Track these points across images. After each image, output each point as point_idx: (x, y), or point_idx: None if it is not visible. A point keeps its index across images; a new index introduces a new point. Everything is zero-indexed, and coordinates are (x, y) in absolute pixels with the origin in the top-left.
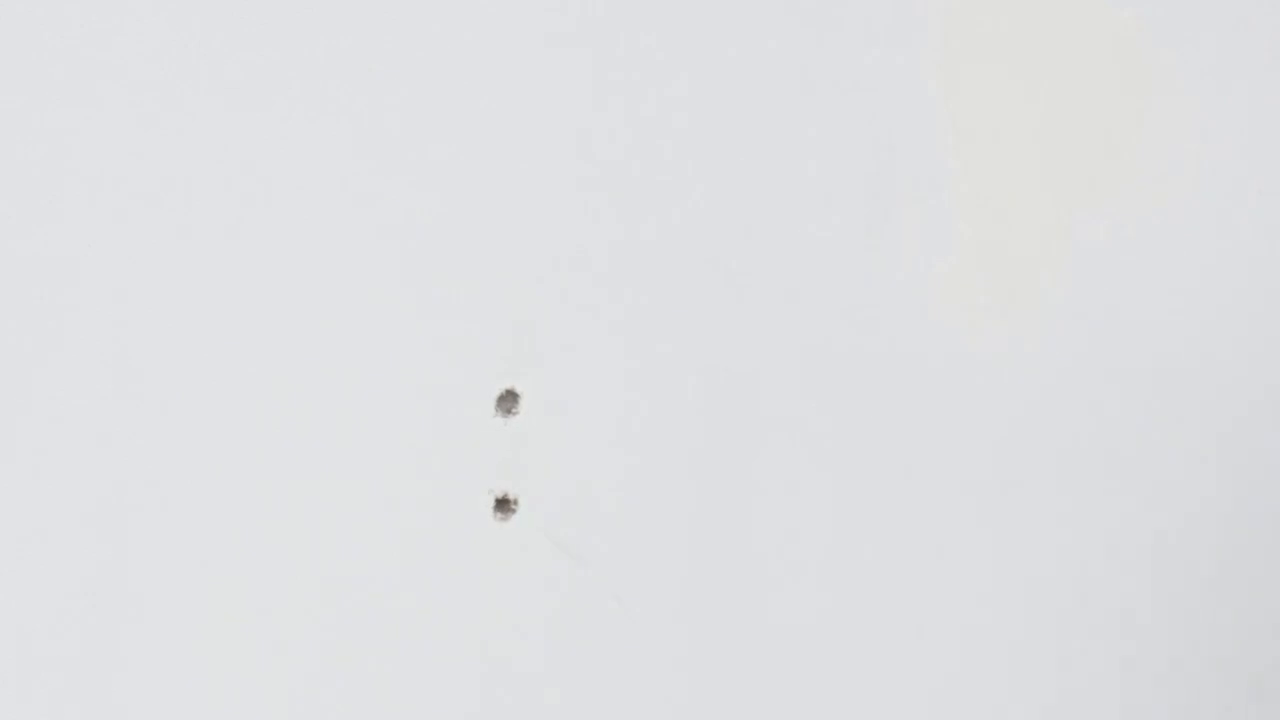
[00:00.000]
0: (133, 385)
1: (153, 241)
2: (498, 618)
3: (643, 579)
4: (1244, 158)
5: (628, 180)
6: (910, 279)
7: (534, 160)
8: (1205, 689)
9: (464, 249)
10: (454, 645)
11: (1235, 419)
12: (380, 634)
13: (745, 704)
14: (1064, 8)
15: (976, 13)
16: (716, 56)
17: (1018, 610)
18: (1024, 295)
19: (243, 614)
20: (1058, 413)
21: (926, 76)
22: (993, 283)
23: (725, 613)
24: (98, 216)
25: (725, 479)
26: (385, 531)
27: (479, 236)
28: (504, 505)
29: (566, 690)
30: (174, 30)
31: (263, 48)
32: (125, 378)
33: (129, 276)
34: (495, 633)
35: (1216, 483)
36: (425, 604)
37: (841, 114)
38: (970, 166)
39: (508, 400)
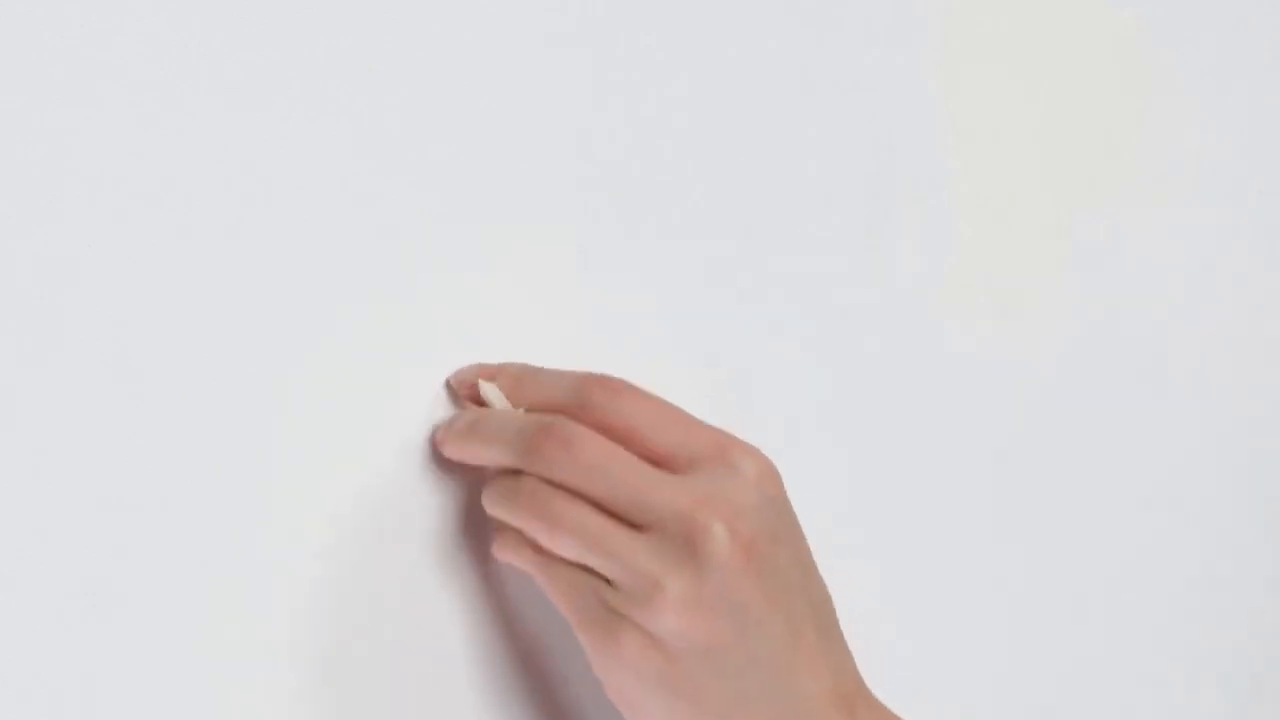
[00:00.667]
0: (132, 385)
1: (153, 241)
2: (497, 617)
3: None
4: (1244, 158)
5: (628, 180)
6: (910, 279)
7: (534, 160)
8: (1205, 689)
9: (464, 249)
10: (453, 645)
11: (1236, 419)
12: (380, 634)
13: None
14: (1064, 8)
15: (976, 13)
16: (716, 56)
17: (1016, 610)
18: (1024, 295)
19: (242, 614)
20: (1058, 413)
21: (926, 76)
22: (993, 283)
23: None
24: (98, 216)
25: None
26: (384, 531)
27: (479, 236)
28: None
29: (566, 690)
30: (174, 31)
31: (263, 48)
32: (125, 378)
33: (129, 276)
34: (495, 632)
35: (1217, 482)
36: (424, 604)
37: (841, 114)
38: (970, 166)
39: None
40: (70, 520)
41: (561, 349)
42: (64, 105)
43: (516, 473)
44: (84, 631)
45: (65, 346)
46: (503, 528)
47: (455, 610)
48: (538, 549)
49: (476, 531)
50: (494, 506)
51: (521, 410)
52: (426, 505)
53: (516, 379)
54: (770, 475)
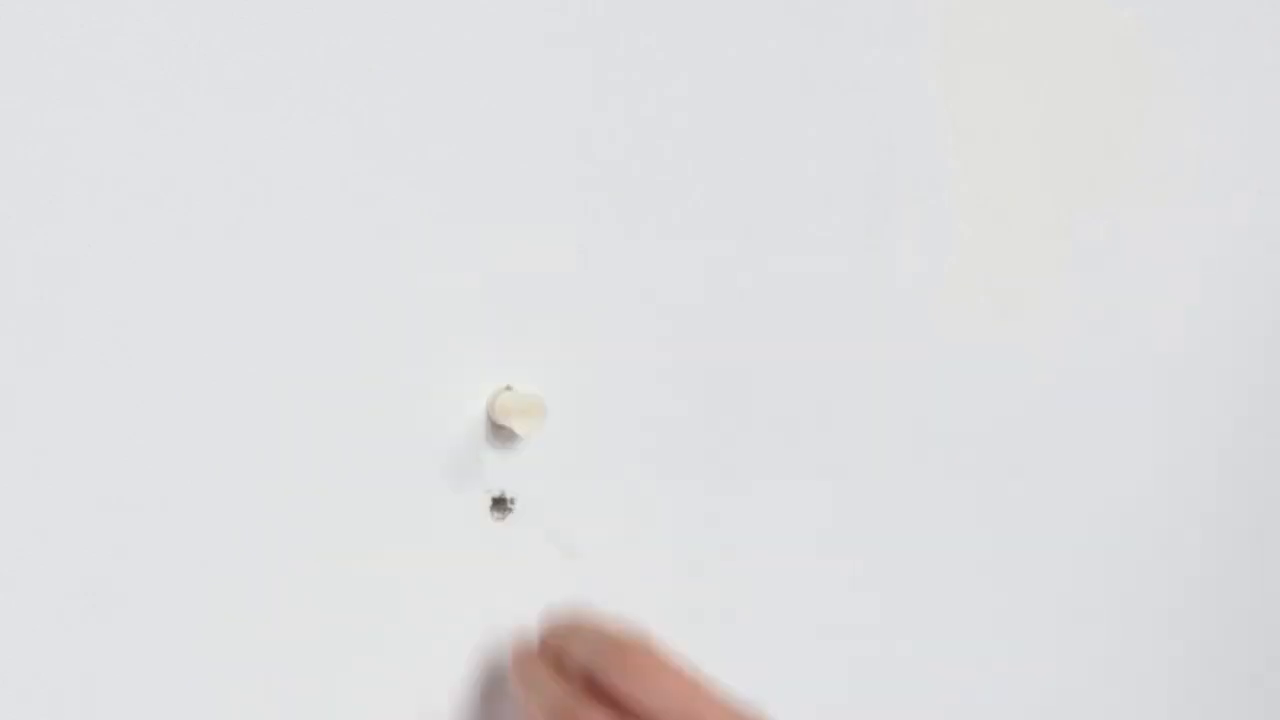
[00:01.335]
0: (132, 385)
1: (153, 241)
2: (496, 618)
3: (642, 578)
4: (1244, 158)
5: (628, 180)
6: (910, 279)
7: (534, 160)
8: (1205, 689)
9: (463, 248)
10: (452, 645)
11: (1236, 418)
12: (379, 633)
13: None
14: (1064, 8)
15: (976, 13)
16: (716, 56)
17: (1016, 610)
18: (1024, 295)
19: (242, 614)
20: (1058, 412)
21: (926, 76)
22: (993, 283)
23: (723, 612)
24: (98, 216)
25: (724, 478)
26: (384, 531)
27: (479, 236)
28: (500, 505)
29: None
30: (174, 31)
31: (263, 48)
32: (125, 378)
33: (129, 276)
34: (493, 633)
35: (1217, 482)
36: (423, 603)
37: (841, 114)
38: (970, 166)
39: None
40: (70, 520)
41: (561, 349)
42: (64, 105)
43: None
44: (84, 631)
45: (65, 346)
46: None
47: (457, 610)
48: None
49: (475, 532)
50: None
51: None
52: (427, 505)
53: (555, 631)
54: None
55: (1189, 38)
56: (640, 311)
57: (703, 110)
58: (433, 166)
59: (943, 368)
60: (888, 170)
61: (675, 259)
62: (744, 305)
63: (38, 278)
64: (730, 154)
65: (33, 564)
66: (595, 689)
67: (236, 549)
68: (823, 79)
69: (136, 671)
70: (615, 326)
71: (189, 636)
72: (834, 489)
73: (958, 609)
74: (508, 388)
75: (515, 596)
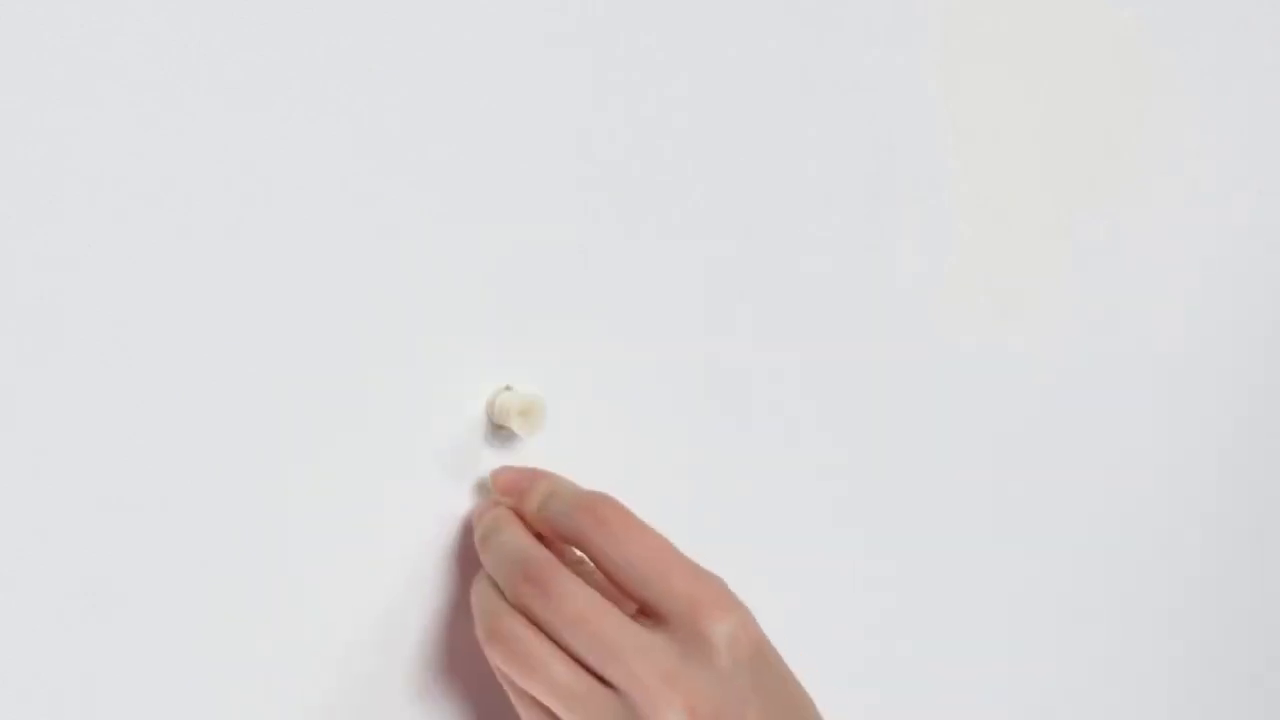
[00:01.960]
0: (132, 385)
1: (153, 241)
2: None
3: None
4: (1244, 158)
5: (628, 180)
6: (910, 279)
7: (534, 160)
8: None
9: (463, 248)
10: (451, 645)
11: (1236, 418)
12: (382, 635)
13: None
14: (1064, 8)
15: (976, 13)
16: (716, 56)
17: (1016, 610)
18: (1024, 295)
19: (242, 614)
20: (1058, 412)
21: (926, 76)
22: (993, 283)
23: None
24: (98, 216)
25: (724, 477)
26: (383, 530)
27: (479, 235)
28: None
29: None
30: (174, 31)
31: (263, 48)
32: (125, 378)
33: (129, 276)
34: None
35: (1217, 482)
36: (422, 604)
37: (841, 114)
38: (970, 166)
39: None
40: (70, 520)
41: (561, 349)
42: (64, 105)
43: None
44: (84, 631)
45: (65, 346)
46: None
47: (458, 611)
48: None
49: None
50: (479, 631)
51: (526, 537)
52: (428, 505)
53: (524, 492)
54: (740, 640)
55: (1189, 38)
56: (640, 311)
57: (703, 110)
58: (433, 166)
59: (942, 368)
60: (888, 170)
61: (675, 259)
62: (744, 305)
63: (38, 278)
64: (730, 154)
65: (33, 564)
66: (558, 546)
67: (236, 549)
68: (823, 79)
69: (137, 671)
70: (615, 326)
71: (188, 637)
72: (834, 489)
73: (957, 609)
74: (507, 388)
75: None
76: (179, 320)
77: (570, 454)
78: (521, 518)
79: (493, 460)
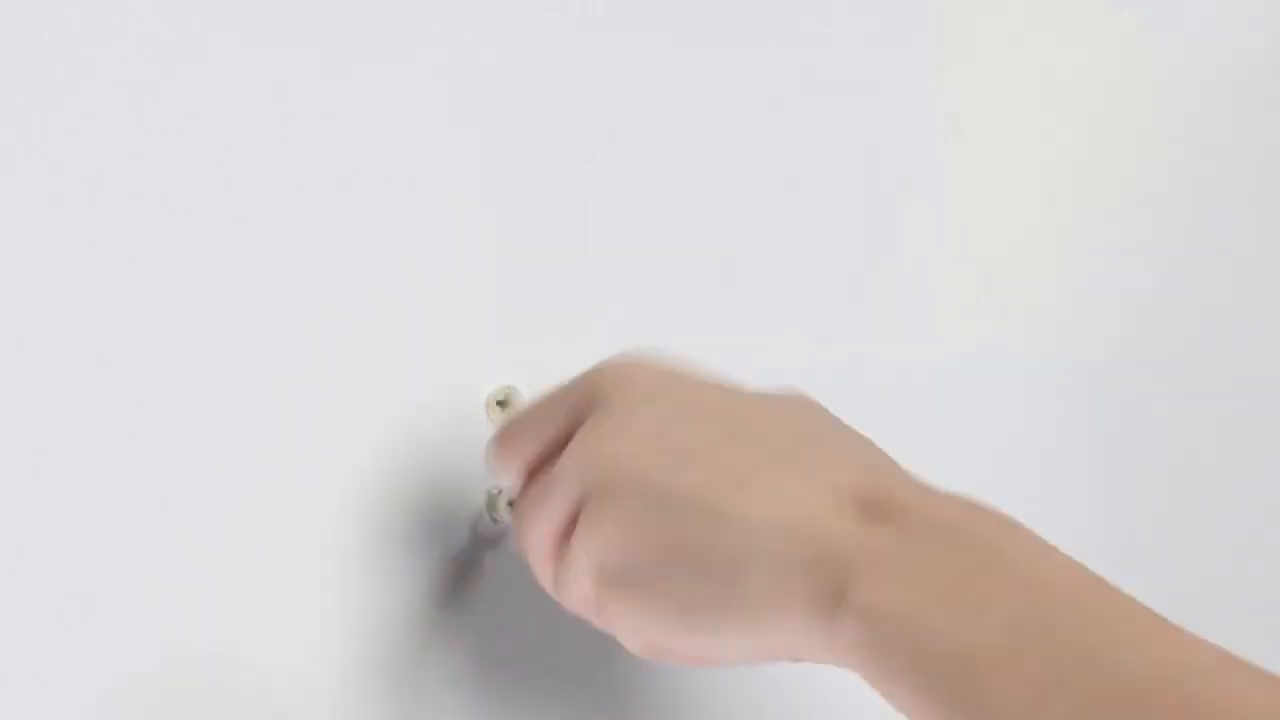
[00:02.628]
0: (133, 385)
1: (153, 241)
2: (495, 617)
3: None
4: (1244, 157)
5: (628, 180)
6: (910, 279)
7: (534, 160)
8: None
9: (463, 247)
10: (451, 645)
11: (1236, 418)
12: (384, 636)
13: (742, 700)
14: (1064, 7)
15: (976, 13)
16: (716, 56)
17: None
18: (1024, 295)
19: (242, 614)
20: (1057, 413)
21: (926, 76)
22: (992, 283)
23: None
24: (98, 216)
25: None
26: (383, 530)
27: (478, 235)
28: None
29: (563, 690)
30: (174, 31)
31: (262, 47)
32: (125, 378)
33: (129, 276)
34: (492, 633)
35: (1217, 483)
36: (422, 603)
37: (841, 114)
38: (970, 166)
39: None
40: (70, 520)
41: (561, 349)
42: (64, 105)
43: None
44: (84, 631)
45: (65, 346)
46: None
47: (452, 609)
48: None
49: (480, 533)
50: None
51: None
52: (430, 506)
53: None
54: (623, 372)
55: (1189, 38)
56: (641, 312)
57: (703, 110)
58: (433, 166)
59: (942, 367)
60: (888, 170)
61: (675, 259)
62: (744, 305)
63: (38, 277)
64: (730, 154)
65: (33, 564)
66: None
67: (235, 550)
68: (822, 79)
69: (136, 671)
70: (615, 326)
71: (188, 636)
72: None
73: None
74: (508, 388)
75: (515, 598)
76: (180, 320)
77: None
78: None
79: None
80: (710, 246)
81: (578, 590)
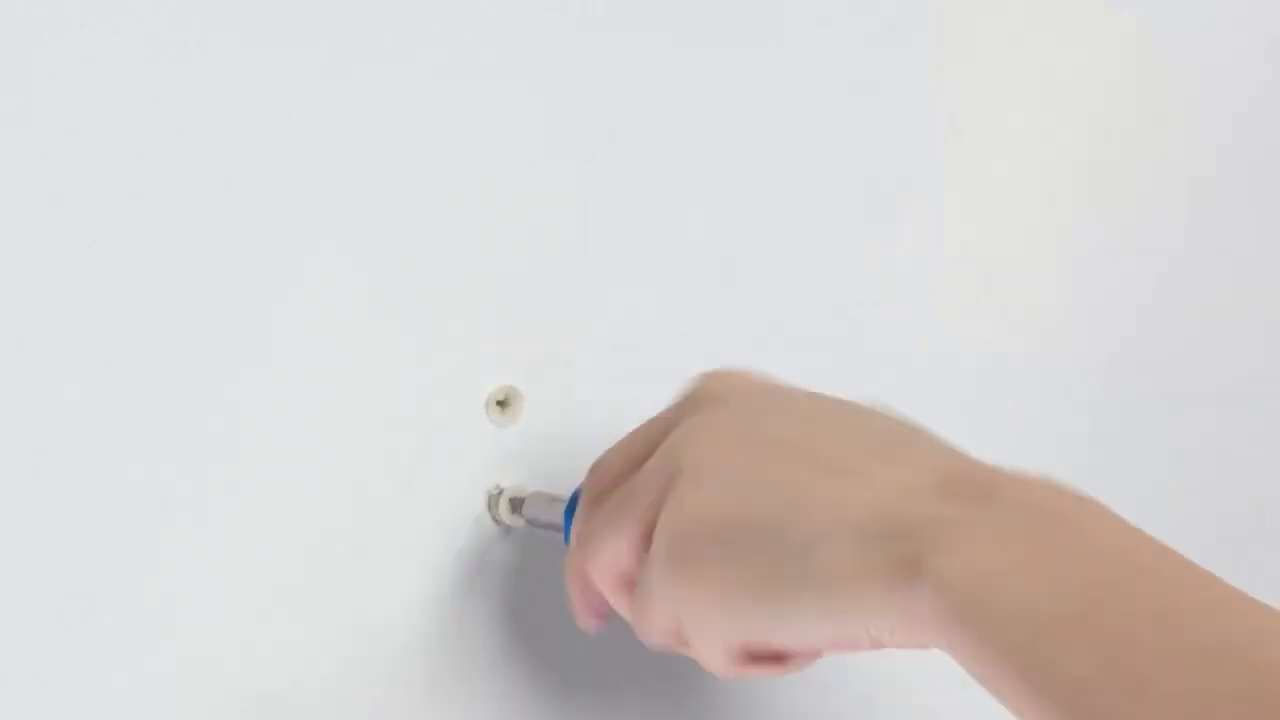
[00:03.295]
0: (133, 385)
1: (153, 241)
2: (495, 617)
3: None
4: (1244, 157)
5: (627, 180)
6: (910, 279)
7: (534, 160)
8: None
9: (463, 247)
10: (451, 645)
11: (1236, 418)
12: (385, 637)
13: (742, 700)
14: (1064, 7)
15: (976, 13)
16: (716, 56)
17: None
18: (1024, 295)
19: (242, 614)
20: (1057, 413)
21: (926, 76)
22: (992, 283)
23: None
24: (98, 216)
25: None
26: (382, 530)
27: (479, 234)
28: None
29: (565, 690)
30: (174, 31)
31: (262, 47)
32: (125, 378)
33: (129, 276)
34: (492, 632)
35: (1216, 483)
36: (422, 603)
37: (841, 114)
38: (970, 166)
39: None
40: (70, 520)
41: (561, 349)
42: (64, 105)
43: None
44: (84, 631)
45: (65, 346)
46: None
47: (452, 610)
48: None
49: (475, 529)
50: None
51: None
52: (430, 506)
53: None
54: (712, 380)
55: (1189, 38)
56: (641, 312)
57: (703, 110)
58: (433, 165)
59: (942, 367)
60: (888, 170)
61: (675, 259)
62: (744, 306)
63: (38, 277)
64: (730, 154)
65: (33, 564)
66: None
67: (235, 550)
68: (823, 79)
69: (136, 672)
70: (615, 326)
71: (188, 636)
72: None
73: None
74: (508, 388)
75: (516, 597)
76: (180, 320)
77: (568, 451)
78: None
79: (491, 458)
80: (710, 246)
81: (660, 595)
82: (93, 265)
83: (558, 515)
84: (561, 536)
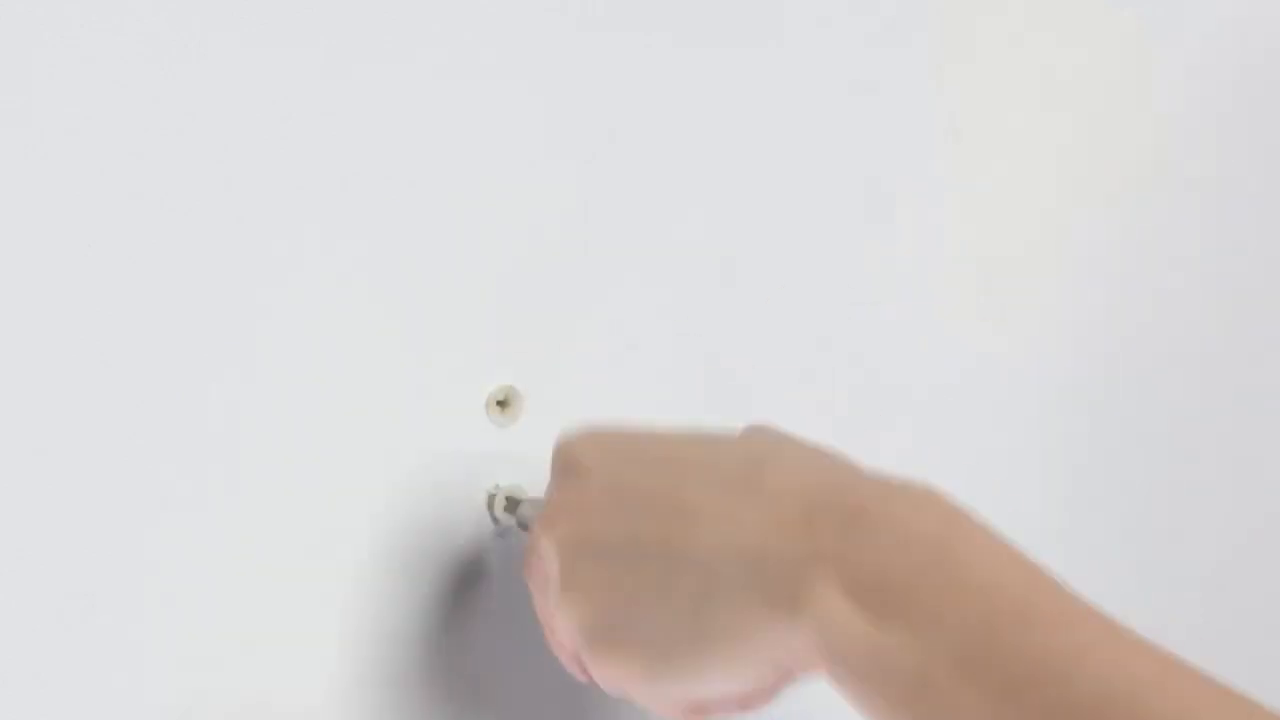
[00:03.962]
0: (133, 385)
1: (153, 241)
2: (495, 616)
3: None
4: (1244, 158)
5: (628, 181)
6: (910, 279)
7: (534, 160)
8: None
9: (463, 247)
10: (451, 643)
11: (1236, 418)
12: (376, 632)
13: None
14: (1064, 7)
15: (976, 13)
16: (716, 56)
17: None
18: (1024, 295)
19: (242, 614)
20: (1058, 413)
21: (926, 76)
22: (992, 283)
23: None
24: (98, 216)
25: None
26: (382, 530)
27: (479, 234)
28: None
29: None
30: (174, 31)
31: (262, 47)
32: (125, 378)
33: (128, 276)
34: (492, 631)
35: (1217, 482)
36: (421, 603)
37: (841, 114)
38: (970, 166)
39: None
40: (70, 520)
41: (561, 349)
42: (64, 105)
43: None
44: (84, 631)
45: (65, 346)
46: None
47: (452, 609)
48: None
49: (475, 529)
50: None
51: None
52: (430, 505)
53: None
54: (569, 448)
55: (1189, 37)
56: (641, 312)
57: (703, 110)
58: (433, 167)
59: (942, 367)
60: (887, 170)
61: (675, 259)
62: (744, 306)
63: (38, 277)
64: (730, 154)
65: (33, 564)
66: None
67: (235, 550)
68: (823, 79)
69: (136, 672)
70: (615, 326)
71: (188, 637)
72: None
73: None
74: (508, 388)
75: (515, 597)
76: (179, 320)
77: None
78: None
79: (492, 458)
80: (710, 246)
81: (570, 663)
82: (93, 265)
83: None
84: None
